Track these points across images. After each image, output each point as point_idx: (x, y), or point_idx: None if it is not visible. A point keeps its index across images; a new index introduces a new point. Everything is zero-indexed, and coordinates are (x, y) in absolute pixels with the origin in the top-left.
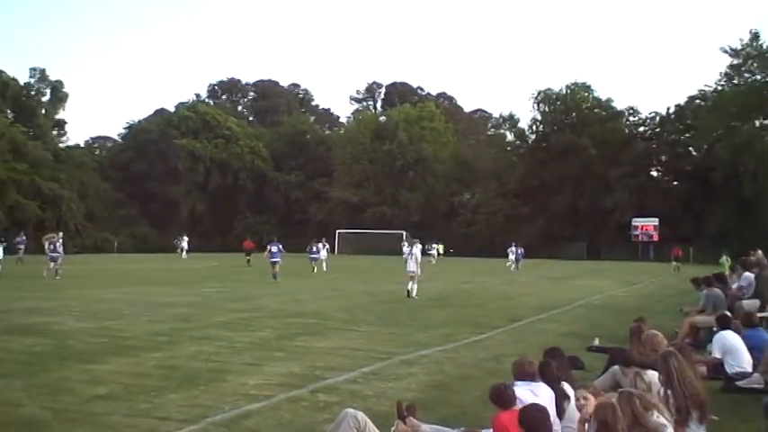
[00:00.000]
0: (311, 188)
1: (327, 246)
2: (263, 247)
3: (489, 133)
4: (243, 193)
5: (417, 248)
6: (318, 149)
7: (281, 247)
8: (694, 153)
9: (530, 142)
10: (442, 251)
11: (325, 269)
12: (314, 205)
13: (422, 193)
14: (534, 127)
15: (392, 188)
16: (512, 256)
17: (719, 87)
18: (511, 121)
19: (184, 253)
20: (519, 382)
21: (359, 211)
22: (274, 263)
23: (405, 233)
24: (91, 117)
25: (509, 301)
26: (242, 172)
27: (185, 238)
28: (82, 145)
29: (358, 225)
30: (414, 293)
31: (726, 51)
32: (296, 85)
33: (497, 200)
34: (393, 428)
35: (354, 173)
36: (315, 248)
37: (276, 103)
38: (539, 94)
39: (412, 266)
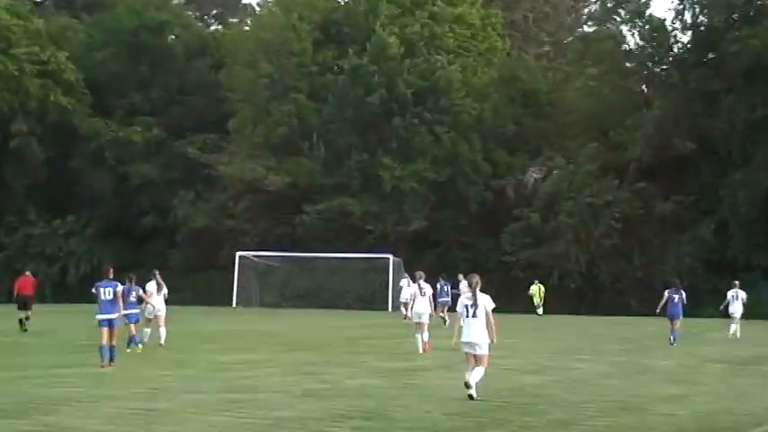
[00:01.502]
0: (177, 155)
1: (165, 289)
2: (65, 290)
3: (584, 29)
4: (21, 166)
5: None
6: (193, 68)
7: (141, 292)
8: None
9: (675, 52)
10: (542, 297)
11: (162, 341)
12: (185, 195)
13: (430, 170)
14: (687, 17)
15: (362, 155)
16: (734, 309)
17: None
18: (631, 4)
19: None
20: None
21: (287, 207)
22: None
23: (392, 259)
24: None
25: (632, 414)
26: (18, 120)
27: None
28: None
29: (286, 241)
30: (473, 391)
31: None
32: None
33: (604, 182)
34: None
35: (278, 121)
36: (133, 293)
37: None
38: None
39: (479, 336)
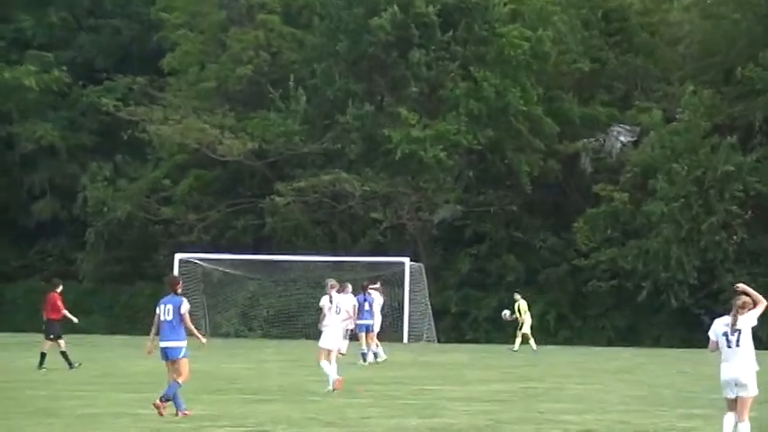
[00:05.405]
0: (88, 109)
1: None
2: None
3: None
4: None
5: None
6: None
7: None
8: None
9: None
10: (523, 320)
11: None
12: (100, 169)
13: (465, 129)
14: None
15: (363, 107)
16: None
17: None
18: None
19: None
20: None
21: (252, 186)
22: None
23: (409, 264)
24: None
25: None
26: None
27: None
28: None
29: (249, 238)
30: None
31: None
32: None
33: (722, 146)
34: None
35: (237, 57)
36: None
37: None
38: None
39: (745, 372)
